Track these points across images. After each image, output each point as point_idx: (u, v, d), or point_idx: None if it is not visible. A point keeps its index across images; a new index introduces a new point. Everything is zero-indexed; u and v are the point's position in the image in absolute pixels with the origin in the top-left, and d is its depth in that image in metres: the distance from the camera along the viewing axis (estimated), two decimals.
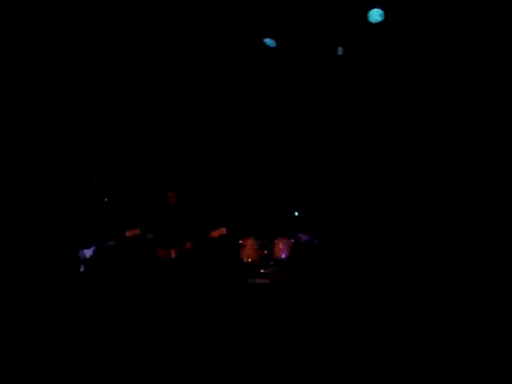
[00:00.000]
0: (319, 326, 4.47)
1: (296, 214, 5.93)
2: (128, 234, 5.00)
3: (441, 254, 5.25)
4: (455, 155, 5.49)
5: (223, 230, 5.23)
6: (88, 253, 4.92)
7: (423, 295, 4.81)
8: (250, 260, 5.59)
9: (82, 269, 4.89)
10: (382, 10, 5.41)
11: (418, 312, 4.50)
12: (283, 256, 5.62)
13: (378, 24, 5.56)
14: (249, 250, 5.62)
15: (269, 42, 6.02)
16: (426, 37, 5.44)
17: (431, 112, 5.69)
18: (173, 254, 5.15)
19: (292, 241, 5.69)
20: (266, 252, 5.69)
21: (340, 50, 5.78)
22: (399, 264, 5.32)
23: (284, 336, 4.25)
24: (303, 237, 5.71)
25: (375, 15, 5.50)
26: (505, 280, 4.71)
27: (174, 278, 5.14)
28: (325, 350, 3.91)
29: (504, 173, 5.18)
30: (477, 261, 5.00)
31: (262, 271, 5.55)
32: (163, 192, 5.47)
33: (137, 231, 4.99)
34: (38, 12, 5.30)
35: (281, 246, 5.67)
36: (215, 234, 5.22)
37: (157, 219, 5.31)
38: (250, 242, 5.64)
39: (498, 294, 4.59)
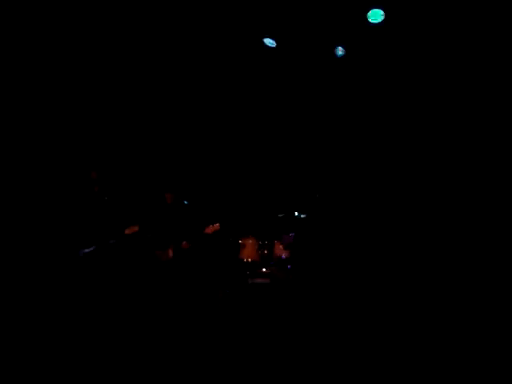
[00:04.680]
0: (319, 325, 4.47)
1: (296, 214, 5.94)
2: (127, 231, 5.01)
3: (440, 253, 5.25)
4: (455, 155, 5.50)
5: (217, 226, 5.23)
6: (88, 251, 4.92)
7: (422, 295, 4.82)
8: (249, 260, 5.60)
9: (81, 268, 4.89)
10: (381, 10, 5.41)
11: (417, 311, 4.50)
12: (283, 256, 5.64)
13: (377, 24, 5.56)
14: (249, 250, 5.63)
15: (269, 42, 6.02)
16: (425, 37, 5.44)
17: (431, 112, 5.69)
18: (170, 254, 5.16)
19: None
20: (266, 252, 5.70)
21: (340, 50, 5.77)
22: (398, 264, 5.33)
23: (284, 336, 4.25)
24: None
25: (375, 15, 5.50)
26: (505, 280, 4.72)
27: (174, 278, 5.15)
28: (325, 350, 3.92)
29: (504, 173, 5.18)
30: (476, 260, 5.01)
31: (262, 271, 5.56)
32: (160, 192, 5.47)
33: (135, 228, 5.00)
34: (38, 12, 5.29)
35: (281, 245, 5.69)
36: (209, 230, 5.23)
37: (154, 219, 5.31)
38: (250, 242, 5.66)
39: (498, 293, 4.59)
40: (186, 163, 6.45)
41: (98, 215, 5.06)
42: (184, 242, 5.22)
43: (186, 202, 5.49)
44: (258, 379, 3.52)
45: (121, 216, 5.17)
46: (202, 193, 6.19)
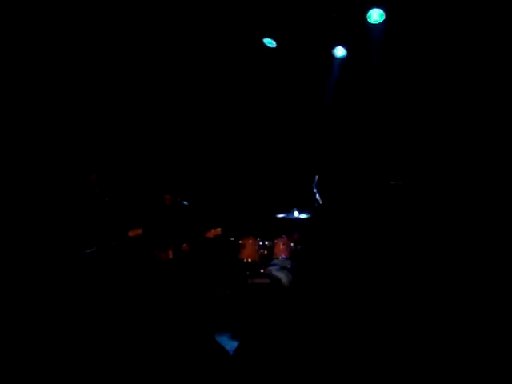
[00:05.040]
0: (319, 326, 4.47)
1: (296, 213, 5.93)
2: (130, 234, 5.00)
3: (440, 252, 5.25)
4: (455, 156, 5.50)
5: (218, 231, 5.26)
6: (89, 252, 4.91)
7: (423, 296, 4.81)
8: (249, 260, 5.59)
9: (83, 269, 4.89)
10: (382, 10, 5.42)
11: (417, 312, 4.50)
12: (283, 256, 5.63)
13: (377, 24, 5.58)
14: (249, 250, 5.62)
15: (269, 42, 6.03)
16: (426, 37, 5.45)
17: (431, 112, 5.69)
18: (170, 255, 5.16)
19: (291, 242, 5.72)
20: (266, 252, 5.69)
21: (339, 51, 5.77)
22: (398, 264, 5.32)
23: (284, 336, 4.25)
24: (295, 235, 5.76)
25: (375, 15, 5.51)
26: (505, 280, 4.72)
27: (174, 279, 5.15)
28: (325, 351, 3.91)
29: (504, 173, 5.18)
30: (476, 261, 5.00)
31: (262, 271, 5.55)
32: (160, 193, 5.46)
33: (139, 231, 5.00)
34: (38, 12, 5.29)
35: (281, 246, 5.68)
36: (211, 234, 5.25)
37: (153, 220, 5.30)
38: (250, 242, 5.65)
39: (498, 294, 4.59)
40: (186, 164, 6.44)
41: (99, 216, 5.06)
42: (184, 245, 5.22)
43: (185, 203, 5.48)
44: (258, 379, 3.52)
45: (122, 217, 5.16)
46: (201, 193, 6.18)
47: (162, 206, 5.41)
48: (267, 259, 5.67)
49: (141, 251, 5.21)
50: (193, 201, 5.65)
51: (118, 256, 4.96)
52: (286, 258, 5.63)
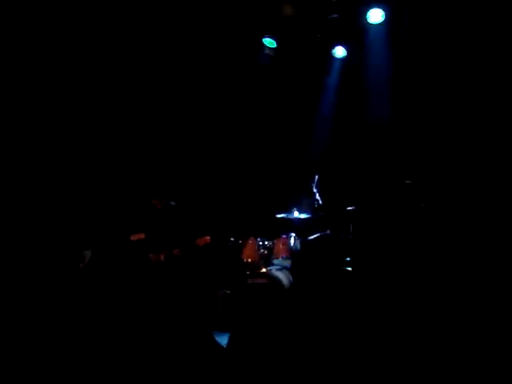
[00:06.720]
0: (321, 327, 4.47)
1: (296, 213, 5.94)
2: (132, 238, 5.00)
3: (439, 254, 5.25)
4: (455, 156, 5.50)
5: (207, 239, 5.28)
6: (88, 254, 4.92)
7: (425, 297, 4.82)
8: (249, 260, 5.59)
9: (81, 269, 4.89)
10: (382, 10, 5.43)
11: (421, 314, 4.51)
12: (283, 256, 5.63)
13: (377, 24, 5.59)
14: (249, 250, 5.62)
15: (269, 42, 6.04)
16: (426, 37, 5.45)
17: (431, 113, 5.70)
18: (162, 258, 5.17)
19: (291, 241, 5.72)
20: (266, 252, 5.70)
21: None
22: (399, 265, 5.32)
23: (284, 336, 4.25)
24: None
25: (375, 15, 5.52)
26: (505, 280, 4.72)
27: (171, 280, 5.16)
28: (326, 352, 3.91)
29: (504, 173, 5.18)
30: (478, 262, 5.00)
31: (262, 271, 5.55)
32: (149, 198, 5.44)
33: (141, 236, 5.00)
34: (37, 12, 5.29)
35: (281, 246, 5.68)
36: (200, 242, 5.27)
37: (150, 224, 5.30)
38: (250, 242, 5.65)
39: (499, 294, 4.59)
40: (185, 164, 6.43)
41: (97, 217, 5.07)
42: (176, 250, 5.23)
43: (173, 203, 5.46)
44: (257, 380, 3.52)
45: (121, 219, 5.17)
46: (200, 194, 6.18)
47: (154, 211, 5.41)
48: (267, 259, 5.67)
49: (139, 254, 5.22)
50: (190, 202, 5.64)
51: (120, 258, 4.97)
52: (286, 258, 5.63)
